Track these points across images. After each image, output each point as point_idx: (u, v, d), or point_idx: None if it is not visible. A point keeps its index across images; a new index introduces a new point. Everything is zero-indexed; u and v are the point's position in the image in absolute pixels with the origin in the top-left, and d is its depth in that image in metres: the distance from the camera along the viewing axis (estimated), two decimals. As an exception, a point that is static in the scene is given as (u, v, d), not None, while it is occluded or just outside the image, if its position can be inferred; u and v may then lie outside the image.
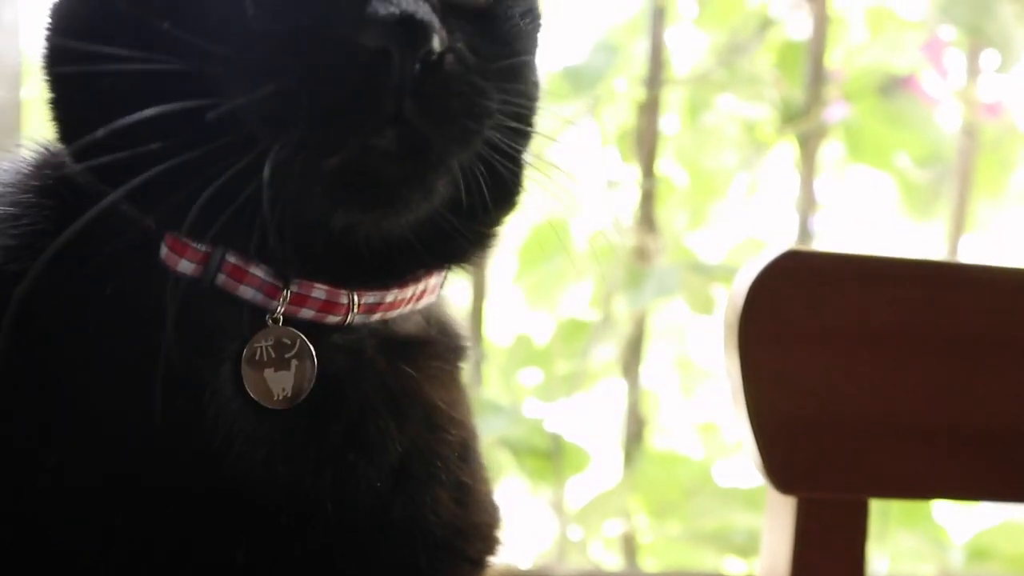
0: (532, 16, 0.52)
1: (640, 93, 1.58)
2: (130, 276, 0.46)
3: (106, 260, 0.46)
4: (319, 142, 0.42)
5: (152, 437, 0.45)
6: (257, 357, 0.47)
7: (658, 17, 1.58)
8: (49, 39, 0.48)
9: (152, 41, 0.42)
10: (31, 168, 0.51)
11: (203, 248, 0.47)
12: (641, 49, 1.60)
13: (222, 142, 0.42)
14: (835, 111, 1.64)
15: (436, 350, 0.55)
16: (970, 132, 1.64)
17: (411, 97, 0.41)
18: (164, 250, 0.47)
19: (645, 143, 1.59)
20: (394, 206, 0.46)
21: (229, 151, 0.42)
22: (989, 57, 1.61)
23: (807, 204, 1.65)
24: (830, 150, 1.72)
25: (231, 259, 0.47)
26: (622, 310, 1.56)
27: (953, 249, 1.68)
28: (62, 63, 0.47)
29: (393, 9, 0.40)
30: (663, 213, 1.63)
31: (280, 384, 0.48)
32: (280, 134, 0.42)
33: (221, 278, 0.47)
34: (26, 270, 0.45)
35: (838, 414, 0.68)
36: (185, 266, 0.47)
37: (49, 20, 0.48)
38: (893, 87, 1.64)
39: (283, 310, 0.48)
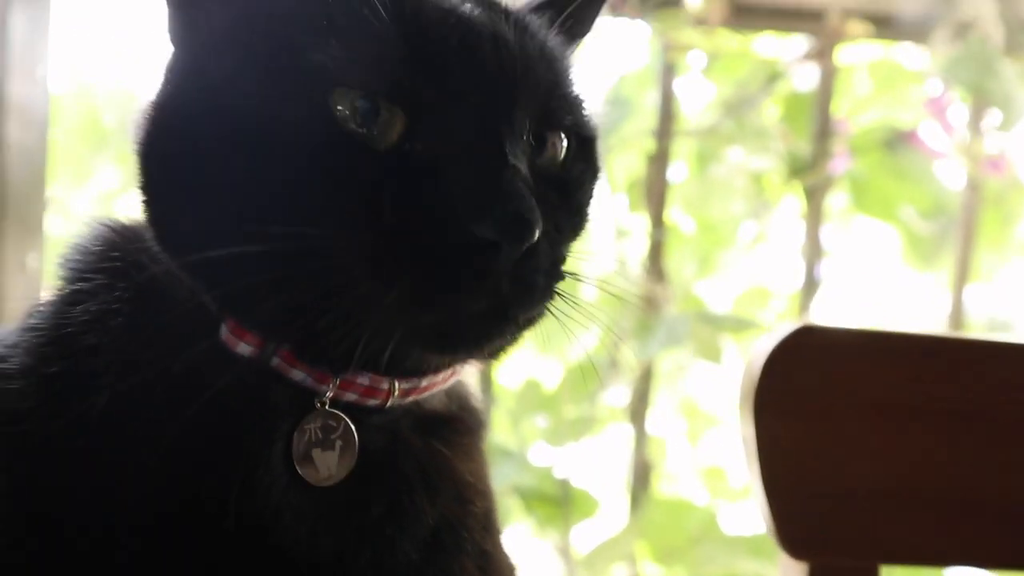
0: (596, 177, 0.57)
1: (650, 144, 1.61)
2: (194, 354, 0.49)
3: (172, 338, 0.49)
4: (427, 307, 0.47)
5: (207, 505, 0.48)
6: (307, 438, 0.51)
7: (668, 69, 1.61)
8: (158, 206, 0.51)
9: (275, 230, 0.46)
10: (99, 248, 0.54)
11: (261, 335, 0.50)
12: (651, 100, 1.64)
13: (334, 299, 0.46)
14: (841, 163, 1.67)
15: (464, 426, 0.59)
16: (973, 186, 1.67)
17: (508, 278, 0.47)
18: (224, 331, 0.50)
19: (654, 193, 1.62)
20: (471, 353, 0.52)
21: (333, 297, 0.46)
22: (992, 114, 1.64)
23: (813, 254, 1.67)
24: (835, 201, 1.75)
25: (286, 346, 0.51)
26: (629, 356, 1.58)
27: (957, 299, 1.70)
28: (183, 249, 0.50)
29: (510, 209, 0.46)
30: (671, 262, 1.65)
31: (326, 463, 0.51)
32: (394, 302, 0.46)
33: (275, 361, 0.51)
34: (100, 344, 0.49)
35: (849, 483, 0.70)
36: (244, 349, 0.50)
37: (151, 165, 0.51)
38: (898, 141, 1.68)
39: (331, 395, 0.51)
